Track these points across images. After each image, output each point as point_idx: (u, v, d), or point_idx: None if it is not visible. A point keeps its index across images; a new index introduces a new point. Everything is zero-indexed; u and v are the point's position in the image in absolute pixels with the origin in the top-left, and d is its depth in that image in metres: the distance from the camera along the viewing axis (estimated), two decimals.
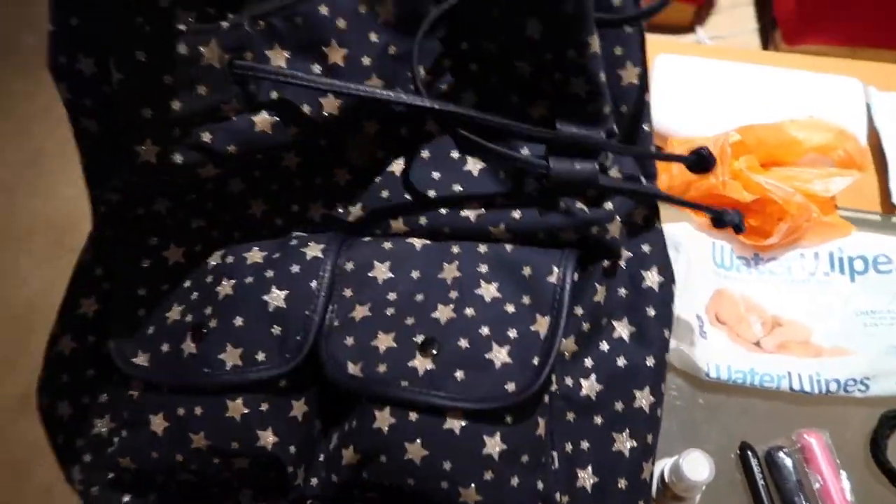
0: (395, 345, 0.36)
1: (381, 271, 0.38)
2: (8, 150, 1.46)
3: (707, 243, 0.58)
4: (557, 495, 0.36)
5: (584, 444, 0.38)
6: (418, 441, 0.34)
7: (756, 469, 0.49)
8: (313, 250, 0.38)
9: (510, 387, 0.35)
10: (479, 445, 0.34)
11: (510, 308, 0.37)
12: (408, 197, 0.40)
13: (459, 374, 0.35)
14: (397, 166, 0.40)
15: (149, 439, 0.37)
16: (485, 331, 0.36)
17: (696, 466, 0.41)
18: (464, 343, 0.36)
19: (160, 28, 0.35)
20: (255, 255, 0.39)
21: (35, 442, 1.23)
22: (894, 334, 0.53)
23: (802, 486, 0.48)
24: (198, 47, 0.35)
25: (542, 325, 0.36)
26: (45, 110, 1.50)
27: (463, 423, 0.34)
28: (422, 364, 0.35)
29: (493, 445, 0.35)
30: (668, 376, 0.53)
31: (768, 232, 0.55)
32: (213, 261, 0.40)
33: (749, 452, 0.50)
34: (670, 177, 0.57)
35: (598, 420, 0.38)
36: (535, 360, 0.35)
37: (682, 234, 0.57)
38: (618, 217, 0.39)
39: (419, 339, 0.36)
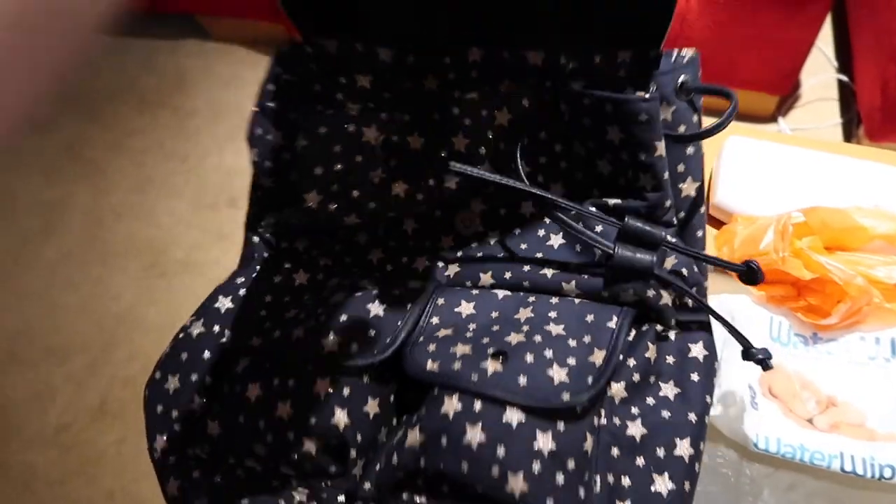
0: (470, 352, 0.42)
1: (466, 308, 0.47)
2: (121, 178, 1.61)
3: (765, 317, 0.59)
4: None
5: (626, 481, 0.41)
6: (479, 426, 0.40)
7: None
8: (413, 284, 0.49)
9: (565, 396, 0.40)
10: (531, 439, 0.39)
11: (572, 342, 0.43)
12: (498, 257, 0.49)
13: (523, 380, 0.41)
14: (493, 237, 0.50)
15: (241, 404, 0.44)
16: (548, 354, 0.42)
17: None
18: (529, 358, 0.42)
19: (336, 111, 0.48)
20: (365, 283, 0.49)
21: (107, 448, 1.33)
22: None
23: None
24: (361, 128, 0.47)
25: (598, 357, 0.42)
26: (158, 145, 1.65)
27: (521, 417, 0.40)
28: (492, 366, 0.41)
29: (545, 442, 0.39)
30: (716, 445, 0.54)
31: (827, 312, 0.56)
32: (331, 283, 0.50)
33: None
34: (731, 250, 0.60)
35: (640, 461, 0.42)
36: (589, 381, 0.41)
37: (740, 306, 0.58)
38: (672, 289, 0.46)
39: (491, 350, 0.42)
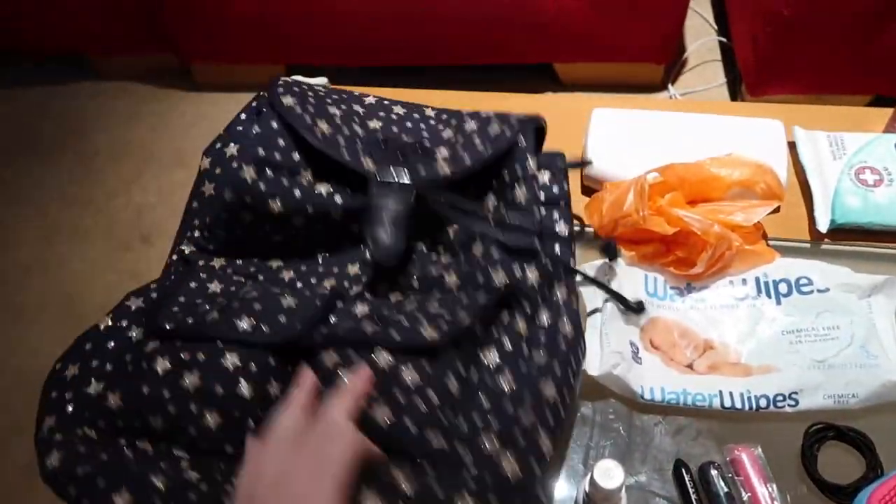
0: (354, 325, 0.49)
1: (361, 309, 0.52)
2: (26, 231, 1.55)
3: (640, 276, 0.62)
4: (461, 450, 0.46)
5: (494, 423, 0.48)
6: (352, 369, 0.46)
7: (689, 485, 0.52)
8: (323, 289, 0.56)
9: (433, 339, 0.47)
10: (396, 373, 0.46)
11: (447, 316, 0.50)
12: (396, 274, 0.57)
13: (396, 336, 0.48)
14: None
15: (146, 378, 0.47)
16: (423, 320, 0.49)
17: (608, 474, 0.44)
18: (405, 322, 0.49)
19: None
20: (276, 288, 0.54)
21: None
22: (817, 350, 0.56)
23: (733, 499, 0.51)
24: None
25: (465, 319, 0.50)
26: (61, 192, 1.60)
27: (388, 358, 0.46)
28: (370, 328, 0.49)
29: (409, 376, 0.46)
30: (606, 401, 0.57)
31: (694, 262, 0.60)
32: (244, 289, 0.54)
33: (682, 469, 0.53)
34: (600, 216, 0.62)
35: (509, 408, 0.48)
36: (455, 334, 0.48)
37: (615, 268, 0.61)
38: (536, 268, 0.54)
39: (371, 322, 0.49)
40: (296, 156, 0.58)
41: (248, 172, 0.56)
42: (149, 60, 1.73)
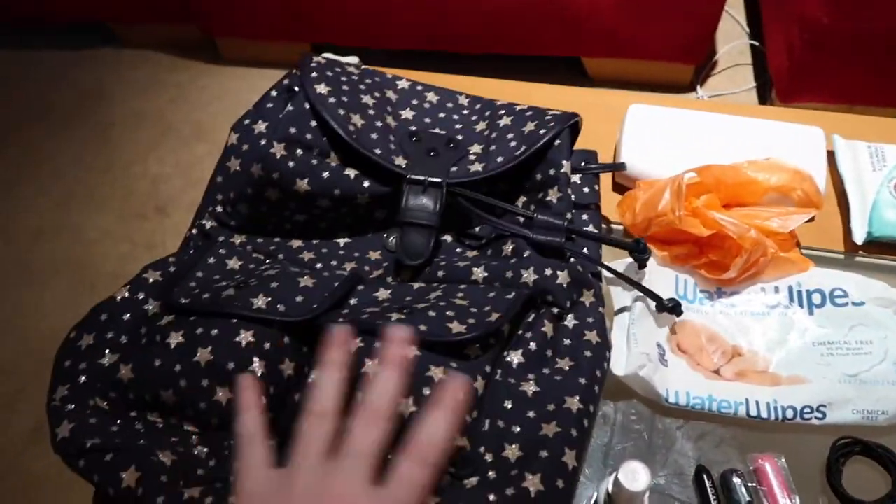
0: (378, 311, 0.48)
1: (383, 294, 0.51)
2: (41, 196, 1.55)
3: (670, 277, 0.60)
4: (482, 449, 0.45)
5: (516, 428, 0.47)
6: (376, 360, 0.44)
7: (710, 491, 0.51)
8: (342, 271, 0.56)
9: (460, 335, 0.46)
10: (423, 370, 0.45)
11: (473, 309, 0.48)
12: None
13: (423, 327, 0.46)
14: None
15: (159, 352, 0.47)
16: (450, 313, 0.47)
17: (633, 476, 0.43)
18: (432, 314, 0.47)
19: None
20: (295, 268, 0.54)
21: (43, 472, 1.28)
22: (848, 364, 0.55)
23: None
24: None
25: (494, 316, 0.48)
26: (79, 159, 1.60)
27: (416, 352, 0.45)
28: (396, 317, 0.47)
29: (435, 373, 0.45)
30: (628, 401, 0.56)
31: (728, 267, 0.58)
32: (262, 267, 0.54)
33: (704, 475, 0.52)
34: (633, 215, 0.61)
35: (532, 414, 0.47)
36: (482, 332, 0.46)
37: (646, 268, 0.60)
38: (567, 270, 0.53)
39: (398, 308, 0.48)
40: (326, 138, 0.57)
41: (278, 149, 0.55)
42: (172, 30, 1.72)
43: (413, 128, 0.59)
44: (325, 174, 0.56)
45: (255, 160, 0.56)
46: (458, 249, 0.58)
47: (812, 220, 0.65)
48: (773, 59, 1.43)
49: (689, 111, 0.72)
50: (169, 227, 1.44)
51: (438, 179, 0.55)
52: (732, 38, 1.63)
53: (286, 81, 0.61)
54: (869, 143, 0.70)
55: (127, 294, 0.52)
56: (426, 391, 0.44)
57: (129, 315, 0.51)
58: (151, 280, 0.53)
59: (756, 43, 1.59)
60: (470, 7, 1.42)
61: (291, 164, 0.55)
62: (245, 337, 0.46)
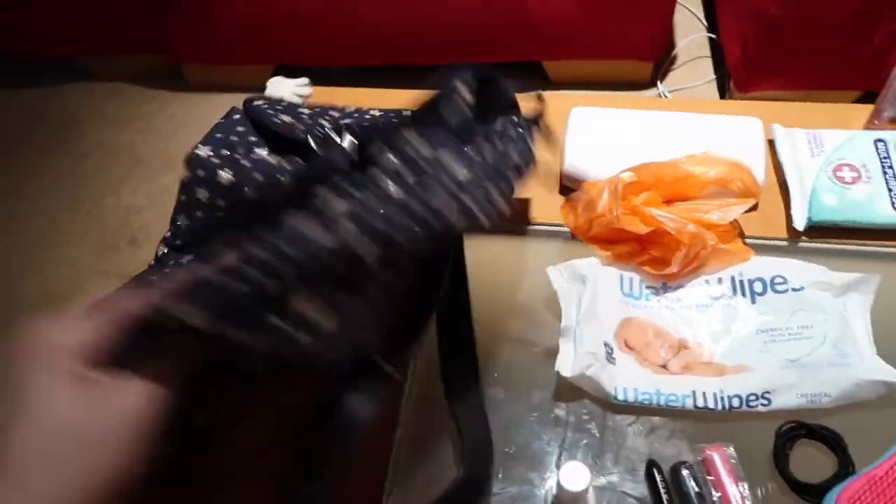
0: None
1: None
2: (15, 233, 1.55)
3: (615, 275, 0.61)
4: None
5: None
6: None
7: (661, 485, 0.52)
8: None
9: None
10: None
11: None
12: None
13: None
14: None
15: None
16: None
17: (574, 476, 0.44)
18: None
19: None
20: None
21: None
22: (790, 349, 0.56)
23: (703, 499, 0.51)
24: None
25: None
26: (53, 194, 1.60)
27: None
28: None
29: None
30: (579, 402, 0.56)
31: (669, 261, 0.59)
32: None
33: (654, 469, 0.52)
34: (576, 217, 0.62)
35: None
36: None
37: (590, 267, 0.61)
38: None
39: None
40: (252, 137, 0.59)
41: (204, 150, 0.58)
42: (139, 61, 1.73)
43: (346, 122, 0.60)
44: (247, 163, 0.57)
45: (185, 165, 0.58)
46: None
47: (755, 208, 0.66)
48: (729, 51, 1.45)
49: (630, 110, 0.73)
50: (140, 258, 1.44)
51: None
52: (691, 33, 1.65)
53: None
54: (807, 129, 0.71)
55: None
56: None
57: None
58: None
59: (713, 36, 1.61)
60: (430, 19, 1.43)
61: (216, 160, 0.57)
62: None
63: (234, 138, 0.61)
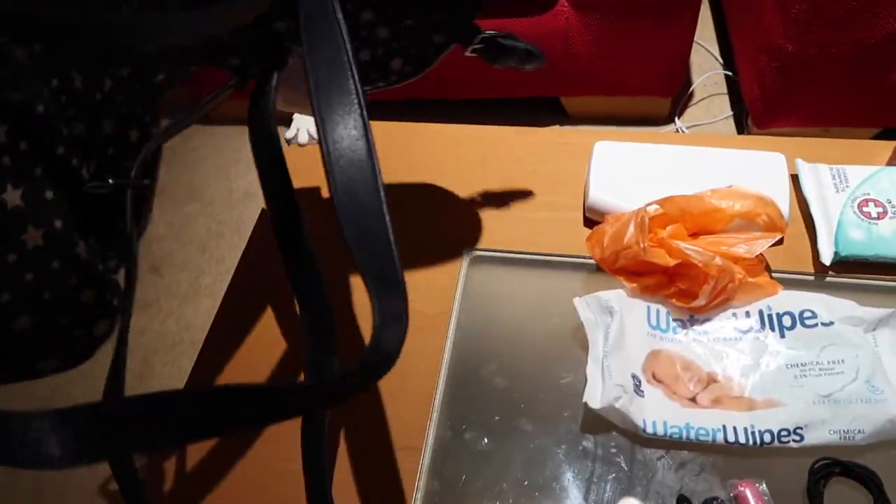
0: None
1: None
2: None
3: (642, 307, 0.62)
4: None
5: None
6: None
7: None
8: None
9: None
10: None
11: None
12: None
13: None
14: None
15: None
16: None
17: None
18: None
19: None
20: None
21: None
22: (822, 385, 0.56)
23: None
24: None
25: None
26: None
27: None
28: None
29: None
30: (608, 434, 0.56)
31: (696, 294, 0.59)
32: None
33: None
34: (601, 249, 0.62)
35: None
36: None
37: (617, 299, 0.61)
38: None
39: None
40: None
41: None
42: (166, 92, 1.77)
43: None
44: None
45: None
46: None
47: (781, 243, 0.67)
48: (747, 88, 1.47)
49: (654, 145, 0.74)
50: (161, 286, 1.47)
51: None
52: (706, 70, 1.67)
53: None
54: (831, 165, 0.71)
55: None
56: None
57: None
58: None
59: (729, 73, 1.63)
60: (450, 58, 1.46)
61: None
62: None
63: None
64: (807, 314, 0.60)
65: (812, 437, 0.53)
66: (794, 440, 0.54)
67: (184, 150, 1.73)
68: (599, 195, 0.69)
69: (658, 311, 0.62)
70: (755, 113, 1.41)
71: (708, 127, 1.57)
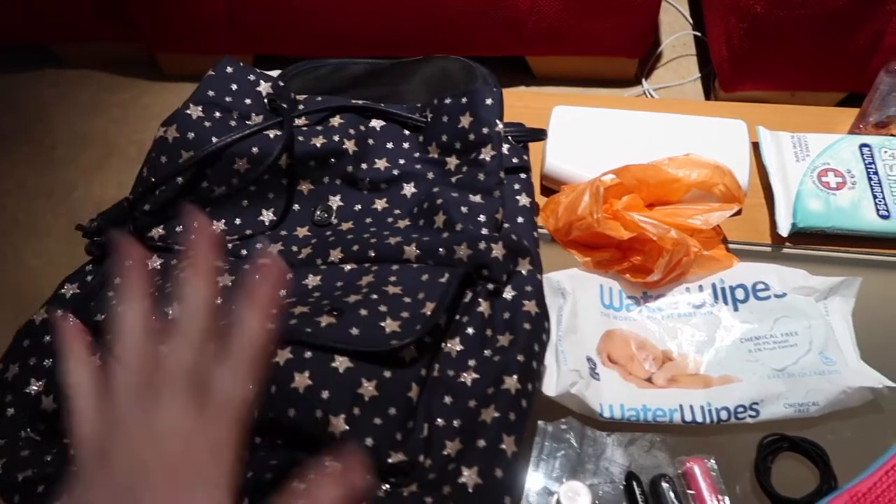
0: (307, 311, 0.46)
1: (312, 280, 0.50)
2: None
3: (595, 285, 0.59)
4: (421, 457, 0.44)
5: (456, 422, 0.45)
6: (307, 373, 0.42)
7: (640, 498, 0.50)
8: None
9: (393, 342, 0.44)
10: (355, 385, 0.43)
11: (407, 299, 0.47)
12: (348, 238, 0.53)
13: (355, 331, 0.44)
14: (345, 225, 0.56)
15: None
16: (383, 308, 0.46)
17: (575, 497, 0.43)
18: (364, 312, 0.45)
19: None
20: (218, 262, 0.50)
21: None
22: (776, 359, 0.55)
23: None
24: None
25: (429, 308, 0.46)
26: (21, 184, 1.55)
27: (348, 364, 0.43)
28: (326, 320, 0.44)
29: (368, 388, 0.43)
30: (560, 418, 0.55)
31: (650, 269, 0.58)
32: (184, 264, 0.50)
33: (634, 482, 0.51)
34: (556, 219, 0.60)
35: (472, 403, 0.46)
36: (418, 327, 0.45)
37: (569, 280, 0.58)
38: (502, 242, 0.51)
39: (328, 307, 0.46)
40: (247, 100, 0.57)
41: (194, 111, 0.55)
42: (114, 48, 1.68)
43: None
44: (244, 133, 0.55)
45: (170, 125, 0.55)
46: (388, 218, 0.56)
47: (739, 213, 0.65)
48: (715, 50, 1.44)
49: (613, 111, 0.71)
50: None
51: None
52: (676, 30, 1.64)
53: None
54: (792, 133, 0.70)
55: (45, 315, 0.50)
56: (356, 411, 0.43)
57: (49, 337, 0.49)
58: (69, 295, 0.51)
59: (699, 34, 1.60)
60: (411, 11, 1.41)
61: (208, 124, 0.54)
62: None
63: (213, 90, 0.57)
64: (759, 286, 0.58)
65: (768, 412, 0.53)
66: (749, 416, 0.53)
67: (135, 107, 1.66)
68: (556, 162, 0.67)
69: (611, 288, 0.60)
70: (722, 75, 1.39)
71: (675, 89, 1.55)
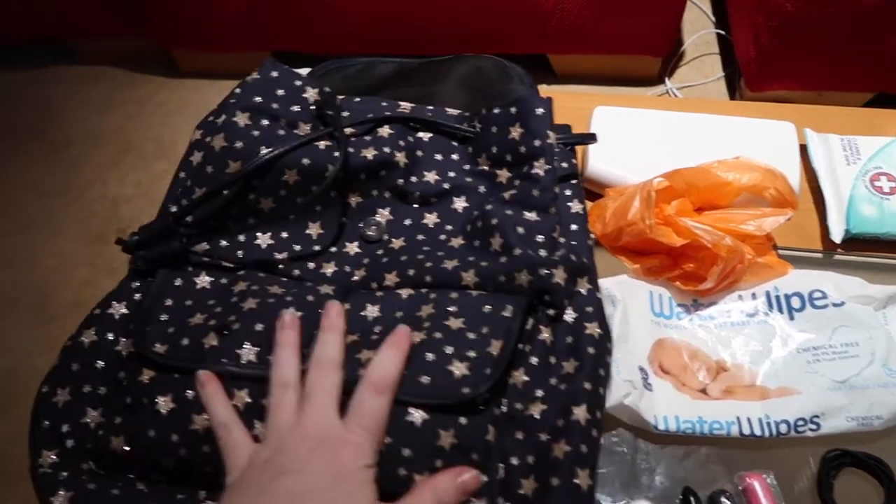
0: (371, 351, 0.44)
1: (372, 311, 0.48)
2: None
3: (644, 293, 0.57)
4: (500, 500, 0.42)
5: (530, 458, 0.44)
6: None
7: None
8: (325, 289, 0.49)
9: (465, 390, 0.42)
10: (434, 437, 0.41)
11: (471, 335, 0.45)
12: (401, 260, 0.52)
13: (425, 379, 0.43)
14: (398, 242, 0.54)
15: (151, 418, 0.43)
16: (449, 350, 0.44)
17: None
18: (430, 357, 0.44)
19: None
20: (275, 288, 0.49)
21: None
22: (836, 369, 0.53)
23: None
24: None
25: (496, 347, 0.44)
26: (35, 182, 1.54)
27: (424, 416, 0.42)
28: None
29: (447, 438, 0.41)
30: (613, 430, 0.53)
31: (703, 277, 0.56)
32: (238, 288, 0.49)
33: (691, 497, 0.49)
34: (603, 225, 0.58)
35: (543, 437, 0.44)
36: (488, 371, 0.43)
37: (619, 287, 0.56)
38: (562, 266, 0.49)
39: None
40: (294, 108, 0.55)
41: (241, 118, 0.52)
42: (129, 44, 1.67)
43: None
44: (293, 144, 0.52)
45: (215, 134, 0.52)
46: (440, 236, 0.54)
47: (788, 218, 0.63)
48: (741, 48, 1.42)
49: (656, 111, 0.69)
50: None
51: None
52: (699, 29, 1.61)
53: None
54: (842, 136, 0.68)
55: (95, 337, 0.48)
56: (439, 463, 0.41)
57: (102, 362, 0.47)
58: (118, 316, 0.49)
59: (723, 32, 1.58)
60: (433, 9, 1.39)
61: (256, 132, 0.52)
62: (240, 398, 0.43)
63: (260, 96, 0.54)
64: (816, 294, 0.56)
65: (829, 426, 0.51)
66: (810, 429, 0.51)
67: (150, 104, 1.64)
68: (599, 164, 0.65)
69: (661, 295, 0.58)
70: (748, 74, 1.37)
71: (699, 88, 1.52)
